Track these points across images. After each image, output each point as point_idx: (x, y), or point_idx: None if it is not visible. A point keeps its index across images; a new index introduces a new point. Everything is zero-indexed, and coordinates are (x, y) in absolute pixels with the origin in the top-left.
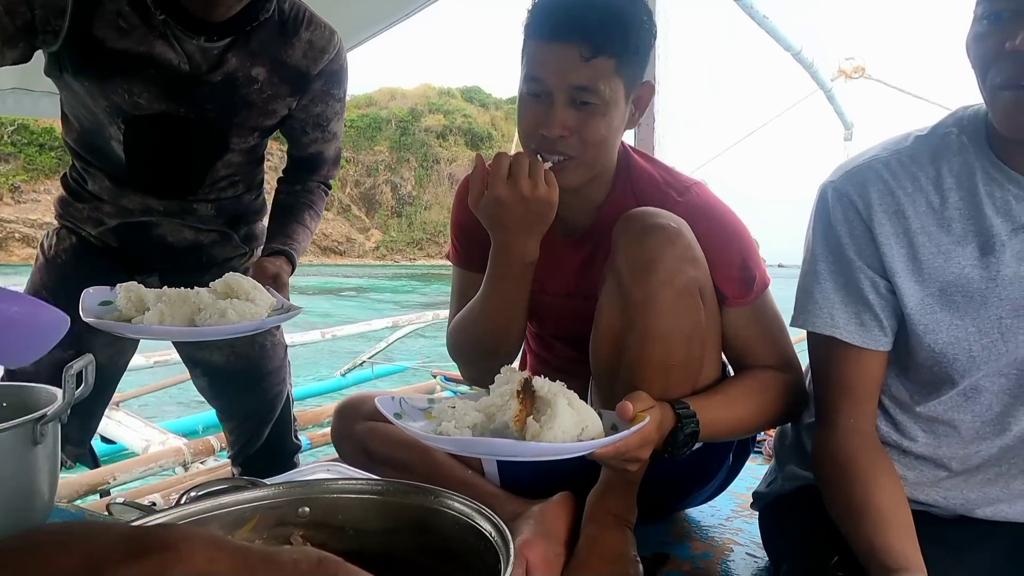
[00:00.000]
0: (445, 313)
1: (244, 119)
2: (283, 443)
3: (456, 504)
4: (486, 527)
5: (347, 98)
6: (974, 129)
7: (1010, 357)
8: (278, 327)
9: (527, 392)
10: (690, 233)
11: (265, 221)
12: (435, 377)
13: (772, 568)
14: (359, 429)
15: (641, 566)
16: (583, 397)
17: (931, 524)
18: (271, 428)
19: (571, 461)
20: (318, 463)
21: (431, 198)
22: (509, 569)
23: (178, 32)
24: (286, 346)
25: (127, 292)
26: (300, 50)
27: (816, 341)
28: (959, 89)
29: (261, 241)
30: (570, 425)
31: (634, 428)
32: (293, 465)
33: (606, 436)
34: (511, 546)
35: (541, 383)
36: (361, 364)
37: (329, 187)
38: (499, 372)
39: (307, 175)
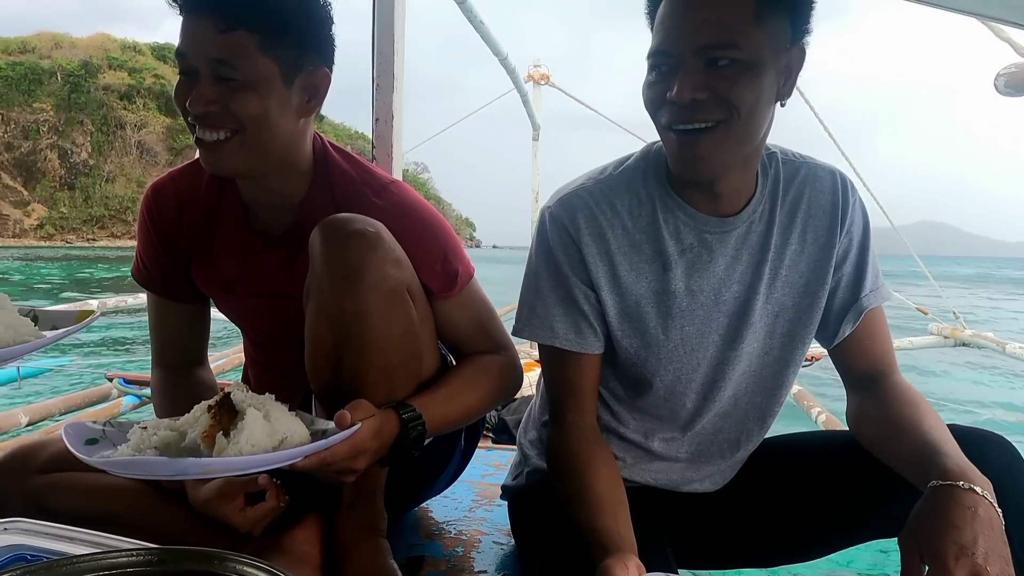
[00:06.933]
0: (114, 300)
1: None
2: None
3: (247, 569)
4: None
5: None
6: (656, 163)
7: (694, 362)
8: None
9: (224, 407)
10: (389, 235)
11: None
12: (111, 380)
13: (522, 556)
14: (34, 485)
15: (400, 573)
16: (307, 401)
17: (651, 496)
18: None
19: (312, 478)
20: None
21: (115, 168)
22: None
23: None
24: None
25: None
26: None
27: (543, 350)
28: (626, 109)
29: None
30: (261, 437)
31: (332, 439)
32: None
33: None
34: None
35: (241, 396)
36: None
37: None
38: None
39: None
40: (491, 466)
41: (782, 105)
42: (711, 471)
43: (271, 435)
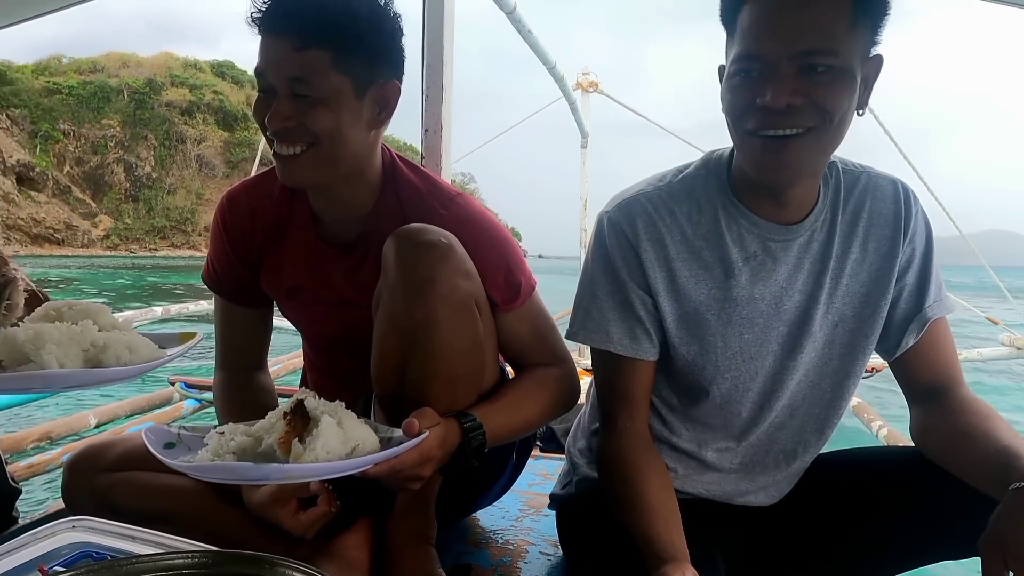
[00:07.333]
0: (177, 308)
1: None
2: None
3: (294, 574)
4: None
5: (66, 60)
6: (718, 171)
7: (752, 371)
8: None
9: (298, 413)
10: (460, 247)
11: None
12: (173, 384)
13: (569, 566)
14: (101, 483)
15: None
16: (368, 407)
17: (704, 509)
18: None
19: (363, 483)
20: (57, 523)
21: (176, 181)
22: None
23: None
24: None
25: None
26: None
27: (596, 354)
28: (675, 116)
29: None
30: (335, 444)
31: (403, 447)
32: (13, 520)
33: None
34: None
35: (313, 403)
36: None
37: None
38: None
39: None
40: (538, 475)
41: (860, 114)
42: (766, 482)
43: (344, 442)
